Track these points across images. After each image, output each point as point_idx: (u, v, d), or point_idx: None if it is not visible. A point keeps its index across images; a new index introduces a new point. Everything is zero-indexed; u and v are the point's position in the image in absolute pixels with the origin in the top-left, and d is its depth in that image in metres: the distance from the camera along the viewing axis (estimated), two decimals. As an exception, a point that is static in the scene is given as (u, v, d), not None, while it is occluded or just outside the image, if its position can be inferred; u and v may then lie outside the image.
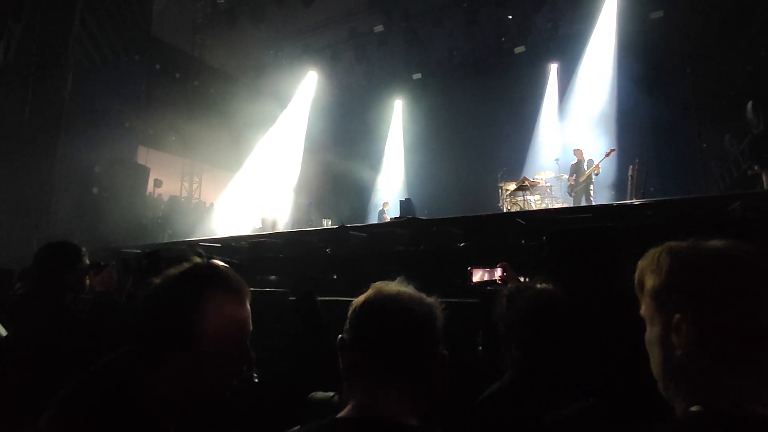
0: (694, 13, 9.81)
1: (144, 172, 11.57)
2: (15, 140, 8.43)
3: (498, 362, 1.63)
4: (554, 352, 1.47)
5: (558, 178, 10.43)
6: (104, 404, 0.91)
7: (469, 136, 13.17)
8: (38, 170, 8.72)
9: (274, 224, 11.47)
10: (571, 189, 9.39)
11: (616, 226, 3.60)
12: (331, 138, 15.67)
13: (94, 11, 10.44)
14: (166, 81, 12.76)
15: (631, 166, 8.53)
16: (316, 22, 14.15)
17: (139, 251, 6.30)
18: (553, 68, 12.93)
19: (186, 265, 1.02)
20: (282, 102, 15.24)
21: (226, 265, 1.06)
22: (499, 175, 10.95)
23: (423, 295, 0.99)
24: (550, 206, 9.56)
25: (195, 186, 14.80)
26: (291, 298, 2.98)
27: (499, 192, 10.66)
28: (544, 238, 2.28)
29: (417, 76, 14.63)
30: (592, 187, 9.11)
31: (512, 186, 9.86)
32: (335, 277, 5.35)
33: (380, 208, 12.50)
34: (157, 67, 12.57)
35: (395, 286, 1.00)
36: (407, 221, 7.03)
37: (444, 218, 6.66)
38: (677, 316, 0.76)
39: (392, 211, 11.60)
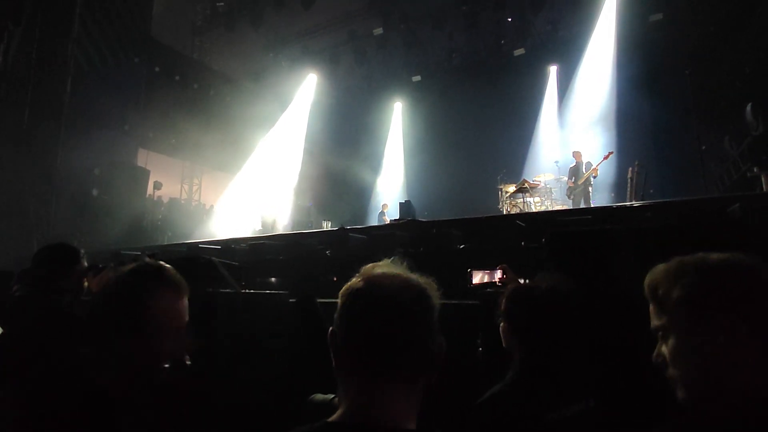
0: (693, 15, 9.83)
1: (144, 174, 11.58)
2: (15, 142, 8.44)
3: (498, 364, 1.62)
4: (557, 352, 1.47)
5: (558, 180, 10.44)
6: (63, 382, 1.06)
7: (468, 138, 13.19)
8: (38, 172, 8.72)
9: (273, 224, 11.47)
10: (570, 191, 9.39)
11: (616, 227, 3.60)
12: (331, 140, 15.69)
13: (94, 14, 10.47)
14: (165, 83, 12.79)
15: (630, 168, 8.53)
16: (315, 24, 14.17)
17: (138, 253, 6.29)
18: (553, 70, 12.96)
19: (136, 263, 1.21)
20: (282, 104, 15.26)
21: (170, 266, 1.21)
22: (498, 177, 10.95)
23: (415, 277, 0.90)
24: (549, 208, 9.55)
25: (195, 188, 14.81)
26: (291, 300, 2.97)
27: (498, 194, 10.65)
28: (544, 239, 2.28)
29: (416, 78, 14.67)
30: (590, 189, 9.11)
31: (512, 188, 9.87)
32: (335, 279, 5.35)
33: (380, 210, 12.50)
34: (157, 69, 12.60)
35: (384, 269, 0.90)
36: (407, 223, 7.03)
37: (444, 220, 6.66)
38: (716, 332, 0.79)
39: (392, 213, 11.60)
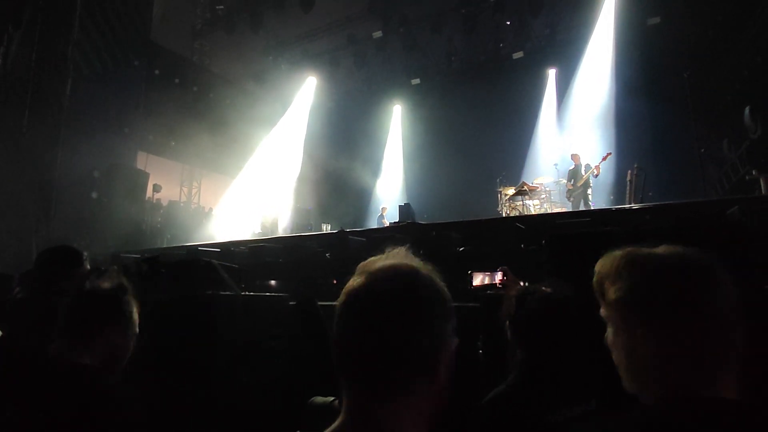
0: (692, 18, 9.87)
1: (143, 177, 11.57)
2: (14, 145, 8.43)
3: (499, 366, 1.63)
4: (559, 354, 1.48)
5: (557, 182, 10.45)
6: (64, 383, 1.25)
7: (467, 140, 13.21)
8: (37, 175, 8.71)
9: (274, 223, 11.47)
10: (570, 194, 9.40)
11: (615, 229, 3.61)
12: (331, 143, 15.71)
13: (94, 17, 10.48)
14: (165, 86, 12.79)
15: (629, 171, 8.55)
16: (315, 27, 14.20)
17: (138, 256, 6.29)
18: (552, 73, 13.00)
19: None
20: (281, 107, 15.28)
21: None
22: (498, 180, 10.96)
23: (419, 270, 0.81)
24: (549, 211, 9.56)
25: (194, 191, 14.81)
26: (291, 303, 2.98)
27: (498, 197, 10.67)
28: (544, 241, 2.29)
29: (416, 81, 14.71)
30: (590, 191, 9.12)
31: (511, 191, 9.88)
32: (335, 281, 5.35)
33: (379, 213, 12.52)
34: (157, 72, 12.62)
35: (384, 262, 0.83)
36: (407, 226, 7.04)
37: (443, 223, 6.67)
38: (638, 331, 0.86)
39: (391, 216, 11.61)
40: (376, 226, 11.57)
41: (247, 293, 3.00)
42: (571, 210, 9.00)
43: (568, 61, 12.41)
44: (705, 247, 0.90)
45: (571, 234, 3.30)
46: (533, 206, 9.70)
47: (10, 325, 1.84)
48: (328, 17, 13.71)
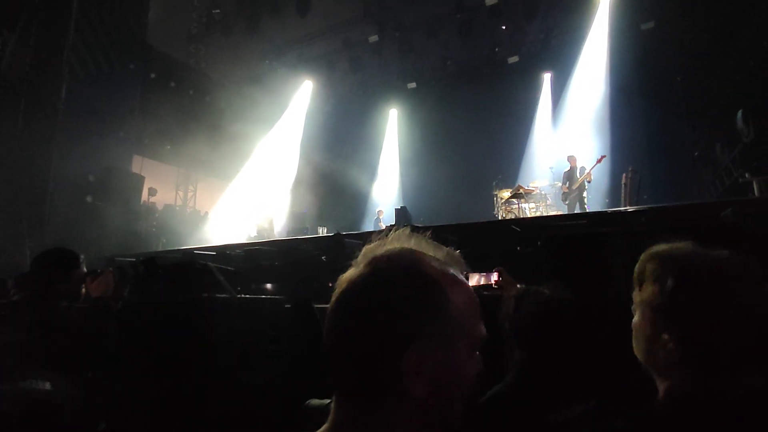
0: (685, 23, 9.96)
1: (138, 180, 11.53)
2: (8, 148, 8.39)
3: (495, 365, 1.63)
4: (559, 353, 1.48)
5: (552, 186, 10.48)
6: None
7: (463, 144, 13.26)
8: (32, 178, 8.66)
9: (271, 223, 11.44)
10: (565, 197, 9.41)
11: (610, 231, 3.62)
12: (327, 146, 15.72)
13: (89, 20, 10.46)
14: (160, 90, 12.76)
15: (624, 174, 8.58)
16: (311, 32, 14.22)
17: (133, 260, 6.25)
18: (547, 78, 13.09)
19: None
20: (277, 111, 15.27)
21: None
22: (493, 183, 11.00)
23: (422, 260, 0.72)
24: (544, 214, 9.59)
25: (190, 195, 14.75)
26: (287, 306, 2.97)
27: (494, 200, 10.70)
28: (540, 242, 2.30)
29: (412, 85, 14.76)
30: (585, 194, 9.14)
31: (507, 194, 9.90)
32: (331, 284, 5.32)
33: (376, 216, 12.51)
34: (152, 76, 12.59)
35: (382, 251, 0.74)
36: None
37: (439, 226, 6.66)
38: (665, 336, 0.89)
39: (387, 219, 11.61)
40: (372, 230, 11.56)
41: (243, 296, 2.99)
42: (566, 213, 9.03)
43: (562, 66, 12.50)
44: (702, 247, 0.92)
45: (568, 235, 3.31)
46: (529, 209, 9.73)
47: (5, 326, 1.83)
48: (324, 21, 13.74)
